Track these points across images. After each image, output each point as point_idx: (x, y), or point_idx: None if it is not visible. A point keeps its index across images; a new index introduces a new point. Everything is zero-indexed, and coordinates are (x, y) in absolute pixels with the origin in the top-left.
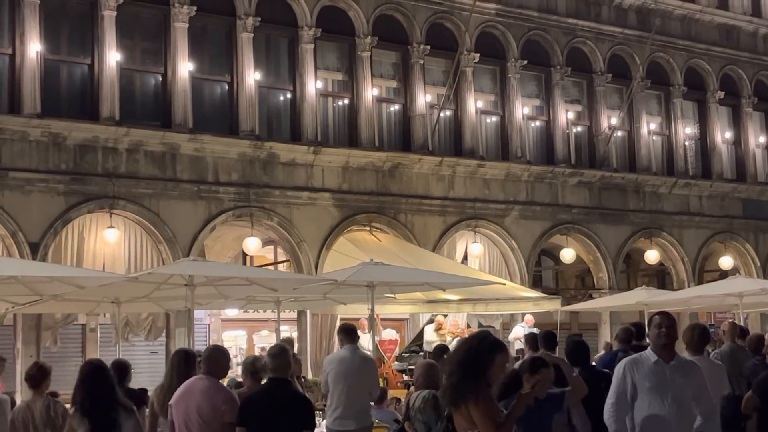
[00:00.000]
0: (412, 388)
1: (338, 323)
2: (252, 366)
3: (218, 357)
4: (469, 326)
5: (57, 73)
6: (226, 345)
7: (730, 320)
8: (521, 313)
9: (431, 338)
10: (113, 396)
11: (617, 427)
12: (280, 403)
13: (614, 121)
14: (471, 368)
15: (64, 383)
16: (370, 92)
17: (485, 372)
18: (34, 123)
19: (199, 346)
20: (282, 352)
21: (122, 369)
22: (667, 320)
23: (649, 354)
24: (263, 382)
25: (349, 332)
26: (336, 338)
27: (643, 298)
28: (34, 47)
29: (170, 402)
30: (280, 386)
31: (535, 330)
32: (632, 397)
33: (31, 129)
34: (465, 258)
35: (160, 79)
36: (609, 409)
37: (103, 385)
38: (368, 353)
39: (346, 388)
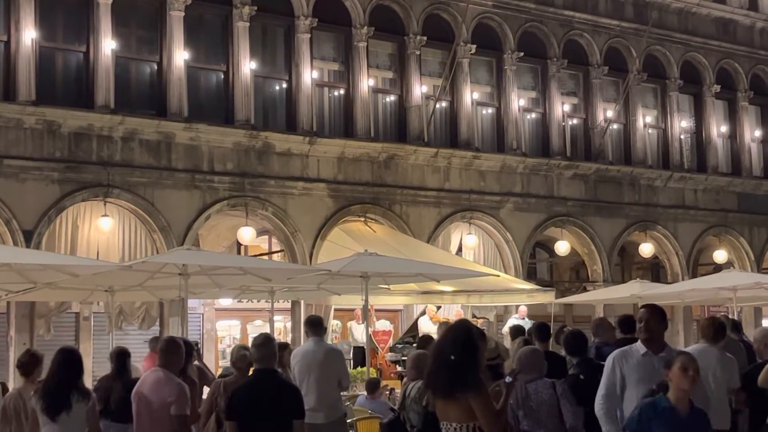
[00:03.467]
0: (405, 379)
1: (332, 314)
2: (231, 356)
3: (173, 349)
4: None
5: (52, 61)
6: (219, 335)
7: (723, 314)
8: (515, 305)
9: (428, 328)
10: (75, 381)
11: (607, 419)
12: (267, 393)
13: (610, 113)
14: (468, 358)
15: None
16: (366, 83)
17: (480, 359)
18: (29, 110)
19: (193, 335)
20: (267, 341)
21: (122, 356)
22: (646, 314)
23: (638, 346)
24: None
25: (313, 324)
26: (329, 329)
27: (637, 291)
28: (29, 34)
29: (131, 395)
30: (267, 377)
31: (521, 322)
32: (622, 389)
33: (25, 116)
34: (459, 249)
35: (156, 67)
36: (599, 402)
37: (65, 370)
38: (335, 344)
39: (312, 381)
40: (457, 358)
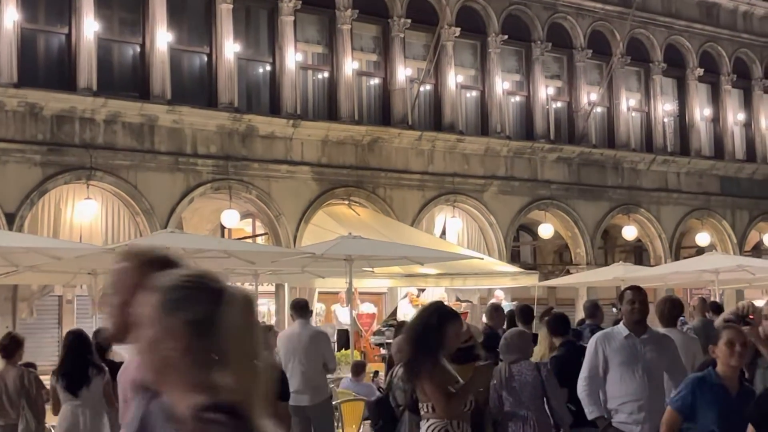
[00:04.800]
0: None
1: (317, 296)
2: None
3: None
4: (446, 300)
5: (34, 43)
6: None
7: (699, 296)
8: (495, 290)
9: (406, 312)
10: (88, 358)
11: (590, 401)
12: None
13: (594, 97)
14: (423, 344)
15: (41, 354)
16: (350, 66)
17: (440, 345)
18: (10, 93)
19: None
20: None
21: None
22: (639, 295)
23: (620, 328)
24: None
25: (299, 307)
26: (313, 312)
27: (620, 274)
28: (11, 16)
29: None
30: None
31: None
32: (604, 371)
33: (7, 99)
34: (443, 232)
35: (138, 49)
36: (582, 384)
37: (79, 350)
38: (320, 327)
39: (297, 363)
40: (414, 343)
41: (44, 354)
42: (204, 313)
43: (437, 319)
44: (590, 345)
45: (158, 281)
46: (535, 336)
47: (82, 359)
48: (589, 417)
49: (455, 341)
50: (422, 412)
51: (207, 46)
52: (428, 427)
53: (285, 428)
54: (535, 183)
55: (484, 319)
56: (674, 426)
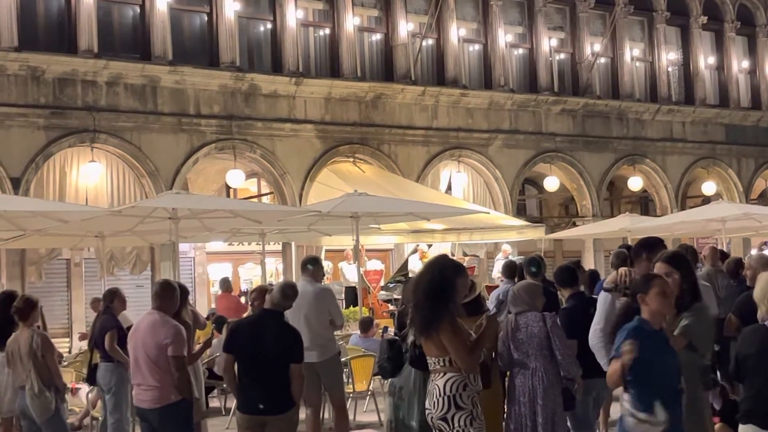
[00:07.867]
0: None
1: (323, 254)
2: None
3: (168, 292)
4: (453, 255)
5: (34, 6)
6: (210, 278)
7: (711, 245)
8: (502, 244)
9: (417, 267)
10: (11, 315)
11: (606, 353)
12: (267, 333)
13: (597, 48)
14: (438, 296)
15: (51, 318)
16: (351, 22)
17: (452, 297)
18: (11, 57)
19: (185, 279)
20: (294, 294)
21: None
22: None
23: None
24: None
25: (303, 264)
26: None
27: (626, 225)
28: None
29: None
30: (270, 317)
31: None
32: None
33: (8, 63)
34: (449, 188)
35: (138, 10)
36: (597, 334)
37: (6, 308)
38: (327, 284)
39: (304, 320)
40: (429, 297)
41: (54, 317)
42: None
43: (449, 271)
44: (604, 296)
45: None
46: (545, 288)
47: (6, 316)
48: (606, 368)
49: (463, 294)
50: (437, 366)
51: (207, 5)
52: (446, 381)
53: (299, 389)
54: (540, 136)
55: (497, 273)
56: (621, 376)
